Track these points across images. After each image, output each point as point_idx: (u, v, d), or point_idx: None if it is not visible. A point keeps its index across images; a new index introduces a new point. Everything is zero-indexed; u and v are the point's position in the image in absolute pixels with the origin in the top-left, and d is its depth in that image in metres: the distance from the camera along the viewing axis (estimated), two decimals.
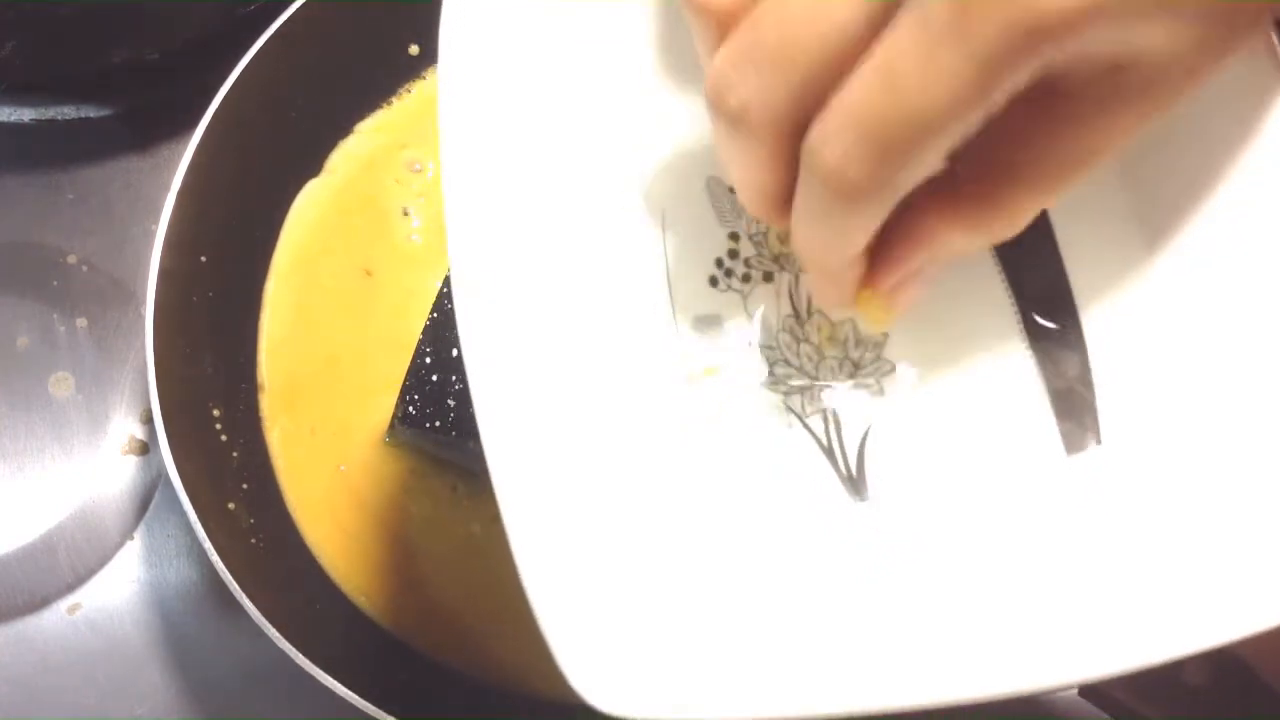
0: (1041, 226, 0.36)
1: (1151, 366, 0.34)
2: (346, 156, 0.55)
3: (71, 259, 0.55)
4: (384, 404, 0.50)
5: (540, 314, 0.33)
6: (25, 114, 0.56)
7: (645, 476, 0.33)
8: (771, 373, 0.36)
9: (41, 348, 0.54)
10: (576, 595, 0.29)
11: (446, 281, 0.51)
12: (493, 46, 0.33)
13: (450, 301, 0.50)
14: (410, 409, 0.49)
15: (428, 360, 0.49)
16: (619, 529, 0.32)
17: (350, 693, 0.42)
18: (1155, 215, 0.34)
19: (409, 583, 0.50)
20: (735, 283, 0.36)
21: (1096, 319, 0.35)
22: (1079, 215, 0.35)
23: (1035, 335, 0.35)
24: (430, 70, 0.55)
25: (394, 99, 0.55)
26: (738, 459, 0.35)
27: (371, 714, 0.42)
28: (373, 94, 0.55)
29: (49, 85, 0.56)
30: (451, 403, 0.48)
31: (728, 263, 0.36)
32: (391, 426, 0.50)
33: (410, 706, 0.43)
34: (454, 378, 0.49)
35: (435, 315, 0.50)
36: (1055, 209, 0.36)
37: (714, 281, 0.36)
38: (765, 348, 0.36)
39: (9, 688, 0.50)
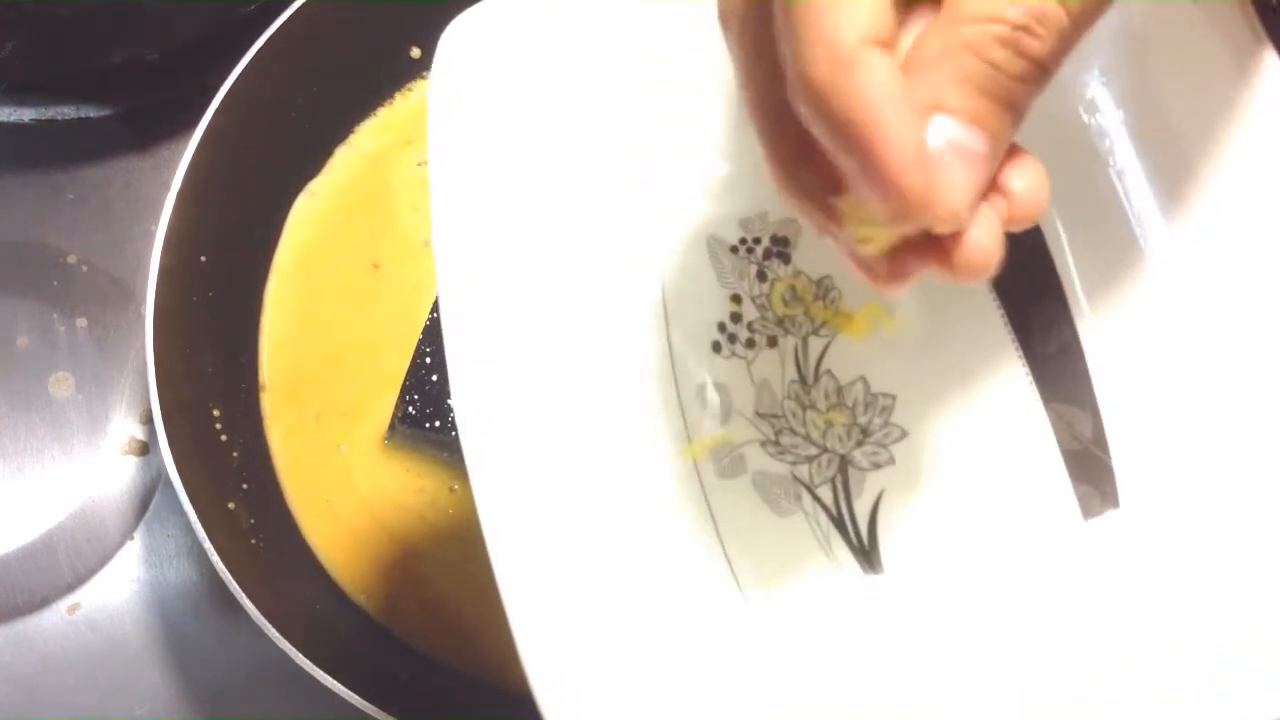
0: (1050, 284, 0.35)
1: (1169, 425, 0.33)
2: (349, 155, 0.55)
3: (71, 259, 0.55)
4: (387, 400, 0.50)
5: (532, 380, 0.32)
6: (25, 114, 0.56)
7: (645, 549, 0.32)
8: (778, 442, 0.35)
9: (41, 348, 0.54)
10: (570, 669, 0.28)
11: None
12: (485, 103, 0.32)
13: None
14: (410, 409, 0.49)
15: (428, 360, 0.49)
16: (612, 592, 0.31)
17: (350, 693, 0.42)
18: (1167, 268, 0.33)
19: (409, 582, 0.50)
20: (739, 348, 0.35)
21: (1108, 375, 0.34)
22: (1087, 270, 0.35)
23: (1047, 394, 0.34)
24: (427, 72, 0.55)
25: (396, 96, 0.55)
26: (742, 531, 0.34)
27: (371, 714, 0.42)
28: (374, 93, 0.55)
29: (49, 85, 0.55)
30: (451, 403, 0.48)
31: (730, 327, 0.35)
32: (391, 427, 0.50)
33: (410, 706, 0.43)
34: None
35: (435, 315, 0.50)
36: (1065, 267, 0.35)
37: (717, 347, 0.35)
38: (771, 416, 0.35)
39: (9, 688, 0.50)
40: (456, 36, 0.32)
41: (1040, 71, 0.23)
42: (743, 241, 0.36)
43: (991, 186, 0.24)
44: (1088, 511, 0.33)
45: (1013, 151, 0.24)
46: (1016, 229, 0.25)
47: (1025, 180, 0.24)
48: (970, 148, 0.23)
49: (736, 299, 0.36)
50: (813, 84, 0.23)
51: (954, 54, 0.23)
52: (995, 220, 0.24)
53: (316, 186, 0.54)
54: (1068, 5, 0.23)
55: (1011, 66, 0.23)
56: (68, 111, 0.56)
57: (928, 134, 0.23)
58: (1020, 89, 0.23)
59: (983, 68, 0.23)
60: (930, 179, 0.22)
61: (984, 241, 0.24)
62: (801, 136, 0.24)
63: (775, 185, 0.26)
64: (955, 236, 0.24)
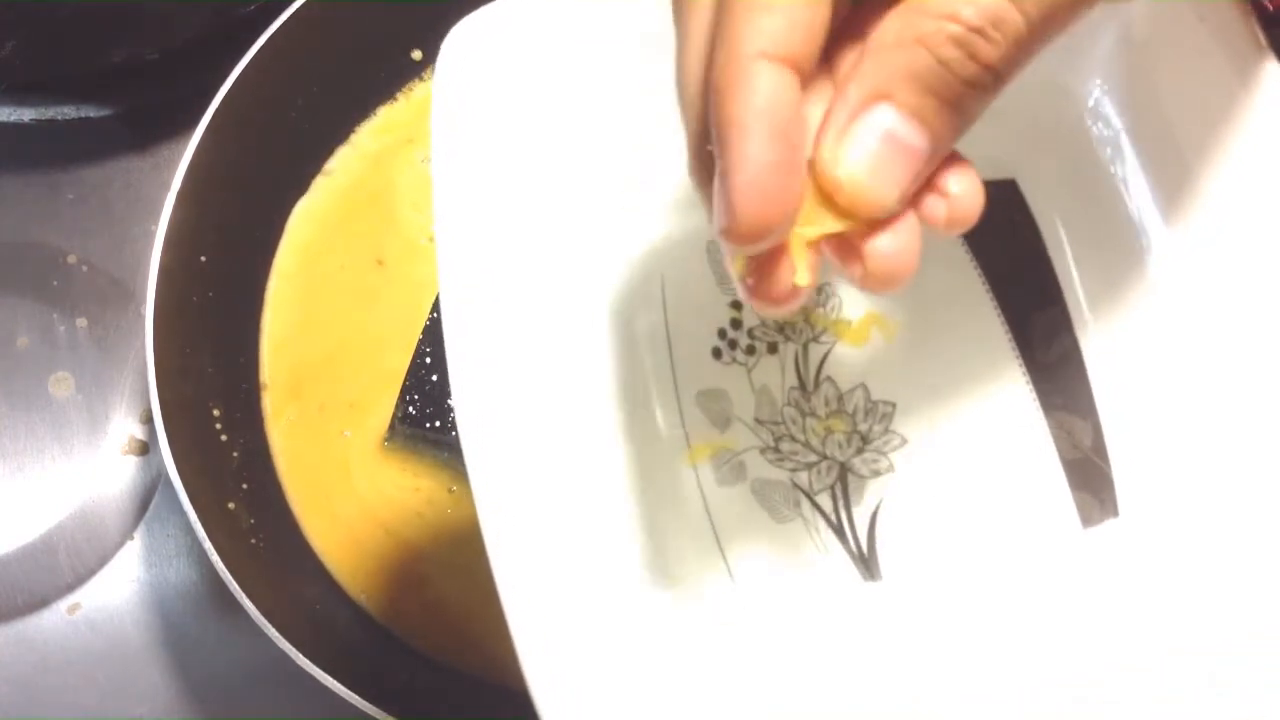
0: (1051, 293, 0.35)
1: (1169, 434, 0.33)
2: (351, 155, 0.55)
3: (71, 259, 0.55)
4: (389, 398, 0.50)
5: (532, 385, 0.32)
6: (25, 114, 0.56)
7: (644, 554, 0.32)
8: (777, 449, 0.35)
9: (41, 348, 0.54)
10: (567, 672, 0.28)
11: None
12: (487, 110, 0.32)
13: None
14: (410, 409, 0.49)
15: (428, 360, 0.49)
16: (613, 599, 0.31)
17: (350, 693, 0.42)
18: (1169, 277, 0.33)
19: (409, 582, 0.50)
20: (739, 355, 0.35)
21: (1108, 384, 0.34)
22: (1089, 280, 0.35)
23: (1047, 403, 0.34)
24: (430, 72, 0.55)
25: (398, 95, 0.55)
26: (742, 538, 0.34)
27: (371, 714, 0.42)
28: (375, 93, 0.55)
29: (49, 85, 0.55)
30: (451, 403, 0.48)
31: (730, 333, 0.35)
32: (391, 427, 0.50)
33: (410, 706, 0.43)
34: None
35: (435, 315, 0.50)
36: (1067, 275, 0.35)
37: (717, 353, 0.35)
38: (771, 423, 0.35)
39: (9, 688, 0.50)
40: (458, 41, 0.32)
41: (992, 78, 0.23)
42: None
43: (930, 187, 0.24)
44: (1087, 520, 0.33)
45: (952, 158, 0.24)
46: (952, 233, 0.25)
47: (963, 185, 0.24)
48: (909, 143, 0.23)
49: (737, 305, 0.36)
50: (712, 82, 0.23)
51: (907, 46, 0.22)
52: (915, 232, 0.24)
53: (318, 186, 0.54)
54: (1026, 14, 0.22)
55: (963, 69, 0.23)
56: (68, 111, 0.56)
57: (867, 122, 0.23)
58: (969, 93, 0.23)
59: (933, 65, 0.22)
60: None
61: (896, 249, 0.24)
62: None
63: (687, 167, 0.26)
64: (868, 241, 0.24)
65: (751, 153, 0.22)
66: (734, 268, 0.24)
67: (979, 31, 0.22)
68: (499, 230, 0.32)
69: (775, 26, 0.22)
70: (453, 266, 0.30)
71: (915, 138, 0.23)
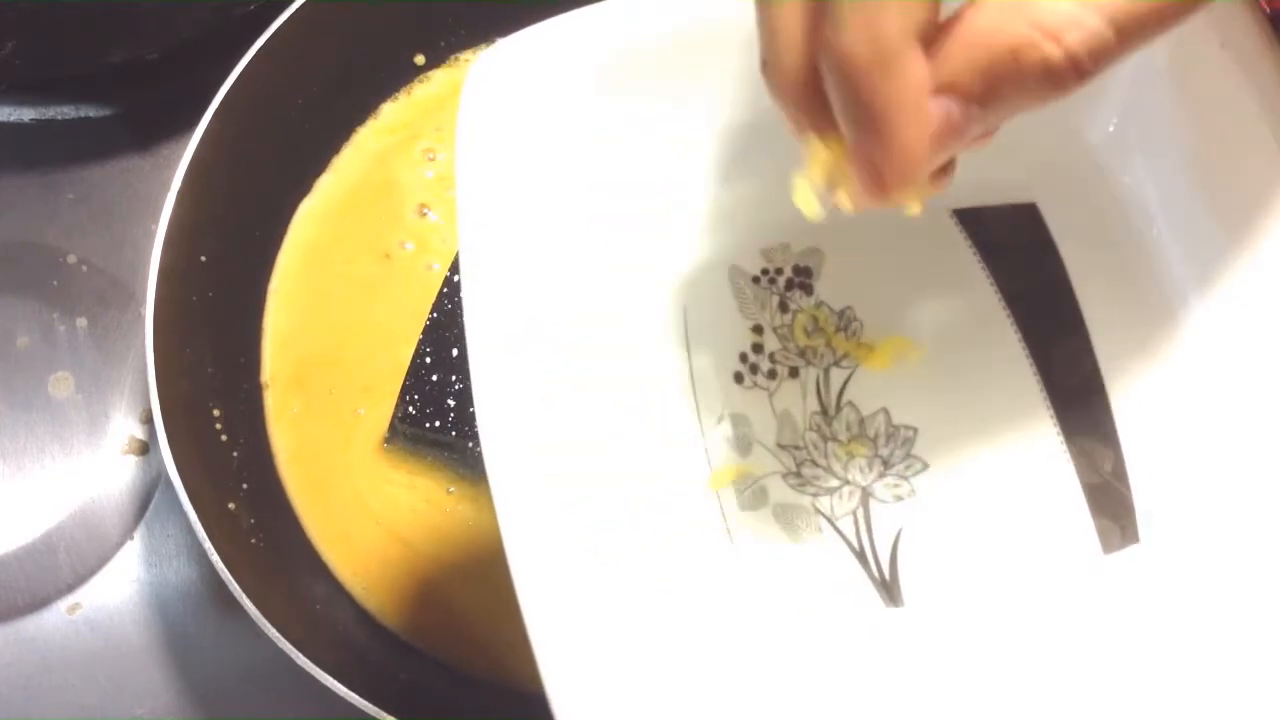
0: (1073, 318, 0.35)
1: (1190, 461, 0.32)
2: (354, 153, 0.55)
3: (71, 259, 0.55)
4: (392, 396, 0.50)
5: (558, 412, 0.32)
6: (25, 114, 0.56)
7: (667, 578, 0.32)
8: (799, 473, 0.35)
9: (41, 348, 0.54)
10: (589, 688, 0.28)
11: (446, 281, 0.51)
12: (512, 132, 0.32)
13: (450, 302, 0.50)
14: (410, 409, 0.49)
15: (428, 360, 0.49)
16: (638, 623, 0.31)
17: (350, 693, 0.42)
18: (1190, 303, 0.33)
19: (409, 582, 0.50)
20: (760, 379, 0.35)
21: (1130, 410, 0.34)
22: (1111, 305, 0.35)
23: (1068, 428, 0.34)
24: (431, 73, 0.55)
25: (400, 94, 0.55)
26: (765, 564, 0.34)
27: (371, 714, 0.42)
28: (376, 92, 0.55)
29: (49, 85, 0.55)
30: (451, 403, 0.48)
31: (752, 357, 0.36)
32: (391, 427, 0.50)
33: (410, 706, 0.43)
34: (454, 378, 0.49)
35: (435, 315, 0.50)
36: (1089, 301, 0.35)
37: (739, 378, 0.35)
38: (793, 448, 0.35)
39: (9, 688, 0.50)
40: (483, 72, 0.32)
41: (1060, 96, 0.23)
42: (765, 272, 0.36)
43: None
44: (1107, 546, 0.33)
45: None
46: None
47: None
48: (966, 130, 0.23)
49: (758, 329, 0.36)
50: (849, 63, 0.22)
51: (995, 47, 0.22)
52: None
53: (321, 184, 0.54)
54: (1123, 40, 0.22)
55: (1039, 88, 0.23)
56: (68, 111, 0.56)
57: (932, 104, 0.23)
58: (1041, 96, 0.23)
59: (1014, 74, 0.22)
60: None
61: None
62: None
63: (763, 67, 0.25)
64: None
65: (912, 137, 0.23)
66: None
67: (1074, 60, 0.22)
68: (523, 258, 0.32)
69: (920, 5, 0.22)
70: (478, 292, 0.30)
71: (973, 125, 0.23)
